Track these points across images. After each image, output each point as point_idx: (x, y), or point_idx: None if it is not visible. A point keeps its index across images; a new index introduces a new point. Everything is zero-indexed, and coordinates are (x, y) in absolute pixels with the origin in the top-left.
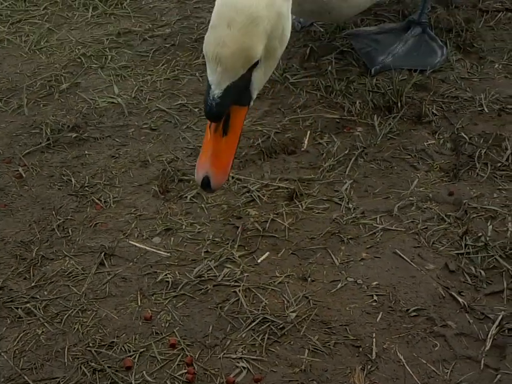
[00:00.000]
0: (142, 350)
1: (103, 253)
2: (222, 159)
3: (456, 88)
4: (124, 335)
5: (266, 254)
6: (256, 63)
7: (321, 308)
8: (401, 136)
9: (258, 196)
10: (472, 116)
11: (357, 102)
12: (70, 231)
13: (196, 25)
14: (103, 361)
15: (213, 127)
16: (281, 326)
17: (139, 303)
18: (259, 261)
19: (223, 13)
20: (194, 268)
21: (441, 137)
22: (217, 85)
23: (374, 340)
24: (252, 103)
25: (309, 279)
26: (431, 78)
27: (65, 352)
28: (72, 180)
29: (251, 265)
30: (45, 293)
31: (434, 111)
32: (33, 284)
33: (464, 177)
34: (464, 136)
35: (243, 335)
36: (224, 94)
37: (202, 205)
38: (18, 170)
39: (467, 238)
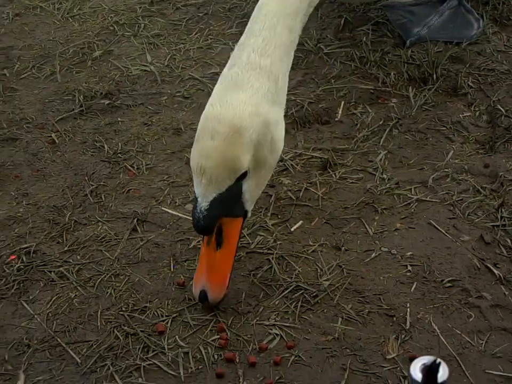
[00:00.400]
0: (174, 315)
1: (135, 219)
2: (217, 273)
3: (493, 60)
4: (156, 300)
5: (300, 222)
6: (245, 174)
7: (354, 277)
8: (436, 108)
9: (292, 165)
10: (509, 89)
11: (392, 73)
12: (102, 196)
13: None
14: (135, 325)
15: (205, 241)
16: (314, 294)
17: (172, 269)
18: (292, 229)
19: (206, 126)
20: None
21: (477, 109)
22: (203, 197)
23: (408, 309)
24: (249, 214)
25: (343, 248)
26: (467, 51)
27: (98, 316)
28: (105, 146)
29: (284, 233)
30: (78, 257)
31: (470, 84)
32: (66, 248)
33: (500, 150)
34: (501, 108)
35: (276, 302)
36: (211, 207)
37: None
38: (51, 136)
39: (503, 210)
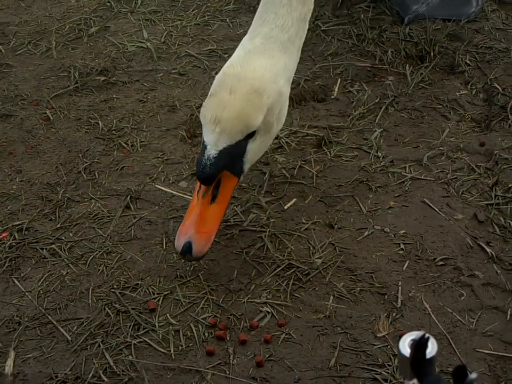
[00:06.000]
0: (166, 292)
1: (129, 196)
2: (207, 226)
3: (491, 38)
4: (148, 277)
5: (293, 200)
6: (253, 133)
7: (347, 255)
8: (433, 86)
9: (287, 142)
10: (506, 67)
11: (389, 51)
12: (96, 174)
13: None
14: (127, 303)
15: (202, 192)
16: (306, 272)
17: (164, 247)
18: (286, 207)
19: (225, 82)
20: None
21: (473, 87)
22: (214, 145)
23: (399, 288)
24: (242, 178)
25: (336, 226)
26: (465, 28)
27: (90, 293)
28: (100, 123)
29: (277, 211)
30: (70, 234)
31: (468, 61)
32: (58, 226)
33: (496, 128)
34: (497, 86)
35: (268, 280)
36: (219, 156)
37: None
38: (45, 113)
39: (497, 188)
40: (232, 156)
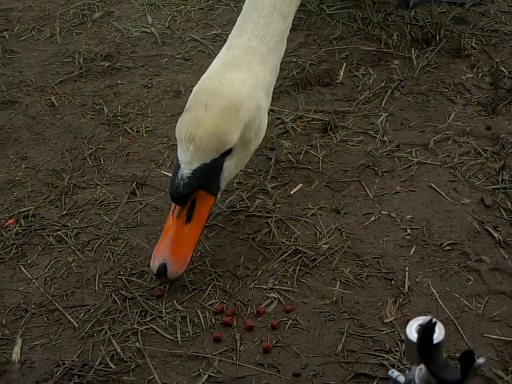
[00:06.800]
0: None
1: (134, 182)
2: (182, 247)
3: (496, 21)
4: None
5: (299, 185)
6: (230, 151)
7: (353, 240)
8: (439, 70)
9: (292, 127)
10: None
11: (394, 35)
12: (102, 160)
13: None
14: (133, 289)
15: (176, 212)
16: (313, 257)
17: None
18: (292, 192)
19: (201, 97)
20: (226, 199)
21: (480, 71)
22: (187, 164)
23: (406, 273)
24: (219, 195)
25: (342, 211)
26: (471, 11)
27: (96, 280)
28: (105, 109)
29: (283, 196)
30: (76, 221)
31: (474, 45)
32: (64, 212)
33: (502, 112)
34: (504, 70)
35: (274, 266)
36: (193, 175)
37: None
38: (50, 99)
39: (504, 173)
40: (207, 175)
